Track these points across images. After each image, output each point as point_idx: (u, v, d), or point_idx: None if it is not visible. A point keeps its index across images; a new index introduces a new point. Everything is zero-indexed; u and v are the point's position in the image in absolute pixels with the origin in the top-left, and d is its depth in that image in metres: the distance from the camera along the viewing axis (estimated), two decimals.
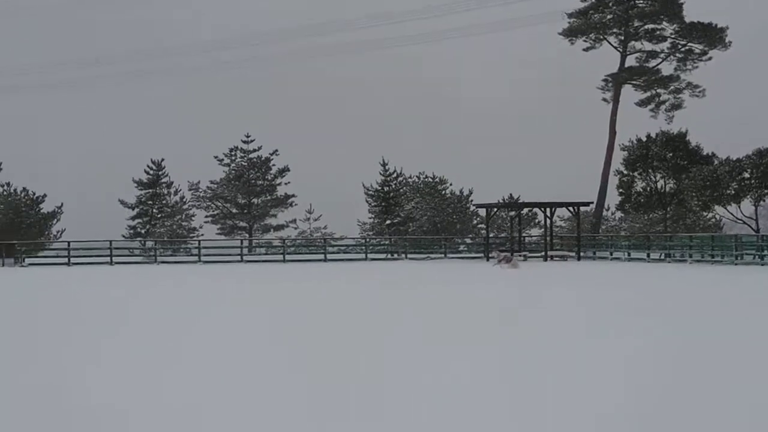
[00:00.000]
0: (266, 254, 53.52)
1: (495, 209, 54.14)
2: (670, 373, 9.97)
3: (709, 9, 56.15)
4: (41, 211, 58.36)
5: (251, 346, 12.42)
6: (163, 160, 60.16)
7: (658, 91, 58.42)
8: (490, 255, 41.49)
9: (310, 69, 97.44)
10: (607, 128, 56.99)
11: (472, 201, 59.04)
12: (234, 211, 61.00)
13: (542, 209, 50.43)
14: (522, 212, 55.03)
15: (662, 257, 44.49)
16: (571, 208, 50.07)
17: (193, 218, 60.74)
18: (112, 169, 70.53)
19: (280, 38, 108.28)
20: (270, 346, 12.53)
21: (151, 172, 60.02)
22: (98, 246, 49.70)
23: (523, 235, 54.43)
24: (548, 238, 49.04)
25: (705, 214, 51.63)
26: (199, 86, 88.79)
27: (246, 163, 60.91)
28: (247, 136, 61.32)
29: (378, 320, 15.81)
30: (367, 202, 60.75)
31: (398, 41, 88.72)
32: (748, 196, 44.35)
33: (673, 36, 57.13)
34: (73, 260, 47.59)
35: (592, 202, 54.74)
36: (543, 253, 47.93)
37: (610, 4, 57.59)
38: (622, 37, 57.88)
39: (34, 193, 58.25)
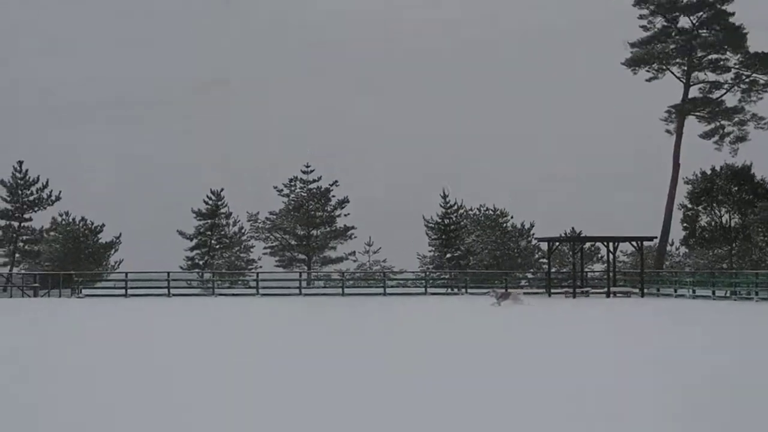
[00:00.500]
0: (324, 287, 53.31)
1: (557, 243, 53.42)
2: None
3: None
4: (99, 240, 58.69)
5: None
6: (222, 190, 59.75)
7: (722, 122, 57.47)
8: (487, 293, 40.50)
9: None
10: (671, 161, 56.13)
11: (533, 234, 58.28)
12: (293, 242, 60.75)
13: (605, 243, 49.64)
14: (584, 246, 54.19)
15: (728, 294, 43.48)
16: (634, 243, 49.10)
17: (251, 250, 60.37)
18: (171, 198, 70.62)
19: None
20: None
21: (210, 202, 59.78)
22: (156, 277, 49.84)
23: (586, 270, 53.51)
24: (611, 274, 48.22)
25: None
26: (258, 113, 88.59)
27: (305, 194, 60.77)
28: (307, 166, 61.15)
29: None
30: (427, 234, 60.20)
31: None
32: None
33: (737, 66, 56.31)
34: (130, 291, 47.86)
35: (656, 237, 53.64)
36: (606, 289, 47.12)
37: (673, 34, 56.91)
38: (686, 68, 57.08)
39: (92, 223, 58.65)
